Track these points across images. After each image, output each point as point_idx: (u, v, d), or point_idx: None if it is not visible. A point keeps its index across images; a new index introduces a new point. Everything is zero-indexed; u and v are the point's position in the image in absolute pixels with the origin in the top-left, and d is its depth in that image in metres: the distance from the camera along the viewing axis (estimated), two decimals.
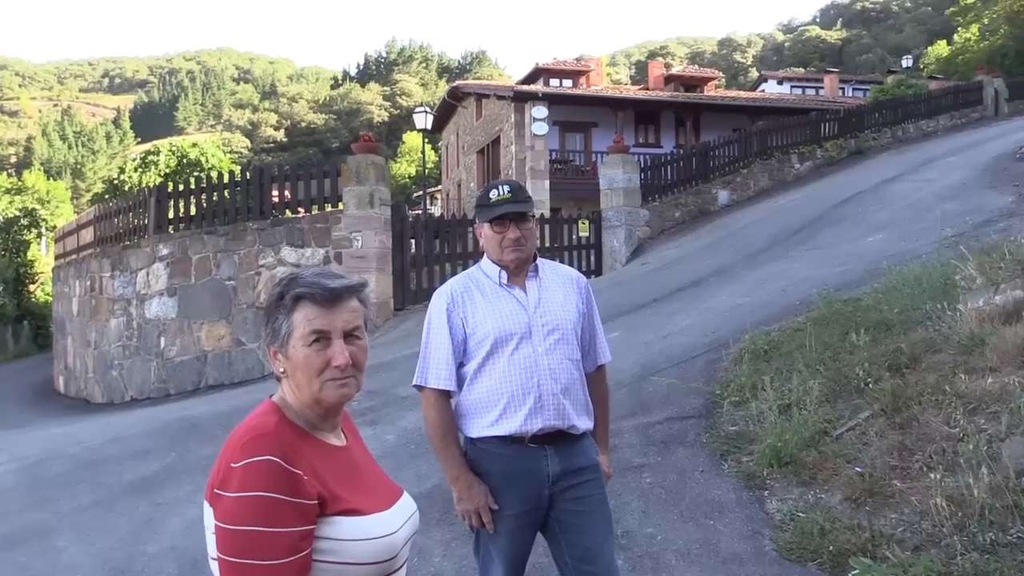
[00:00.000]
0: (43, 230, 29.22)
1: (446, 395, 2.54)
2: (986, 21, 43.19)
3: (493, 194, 2.57)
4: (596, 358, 2.72)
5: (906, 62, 46.75)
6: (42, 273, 26.49)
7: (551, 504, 2.49)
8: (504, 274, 2.57)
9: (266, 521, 1.38)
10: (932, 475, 3.56)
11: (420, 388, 2.56)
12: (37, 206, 31.56)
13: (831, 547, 3.43)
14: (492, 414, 2.48)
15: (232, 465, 1.43)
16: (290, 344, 1.55)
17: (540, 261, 2.64)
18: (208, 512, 1.46)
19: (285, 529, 1.39)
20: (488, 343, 2.49)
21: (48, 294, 23.22)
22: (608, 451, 2.79)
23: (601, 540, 2.51)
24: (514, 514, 2.46)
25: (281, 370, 1.58)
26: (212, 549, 1.46)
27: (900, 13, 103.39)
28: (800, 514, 3.78)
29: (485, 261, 2.64)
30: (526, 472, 2.47)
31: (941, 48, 56.82)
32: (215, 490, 1.44)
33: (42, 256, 28.45)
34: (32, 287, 26.29)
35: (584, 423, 2.57)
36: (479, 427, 2.51)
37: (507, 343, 2.49)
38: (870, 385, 4.62)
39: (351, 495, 1.52)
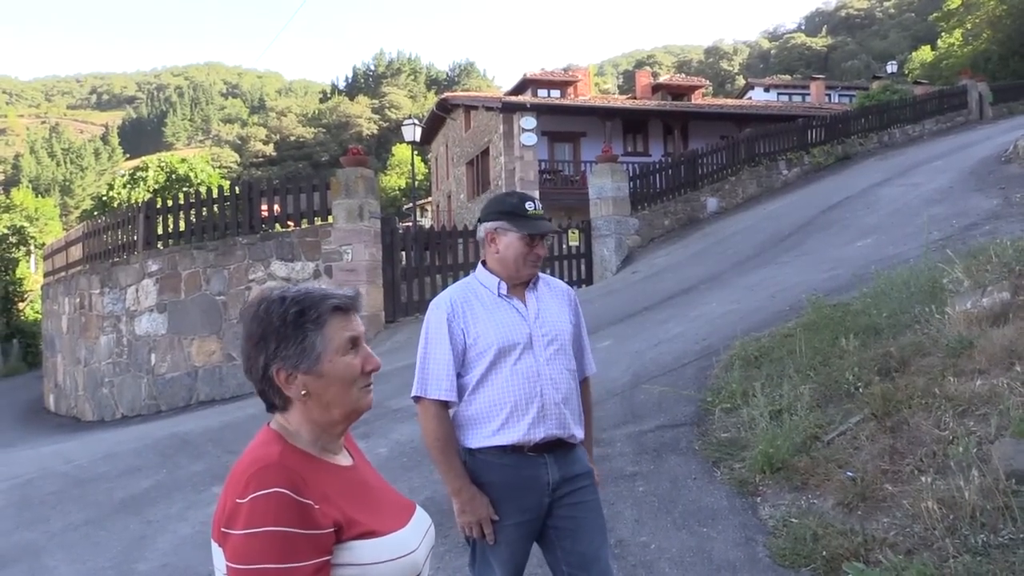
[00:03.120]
0: (32, 247, 29.10)
1: (445, 406, 2.51)
2: (969, 26, 43.59)
3: (529, 206, 2.55)
4: (583, 370, 2.75)
5: (891, 68, 47.13)
6: (31, 291, 26.37)
7: (548, 512, 2.50)
8: (504, 285, 2.56)
9: (279, 557, 1.31)
10: (923, 478, 3.57)
11: (418, 399, 2.53)
12: (26, 224, 31.45)
13: (824, 552, 3.43)
14: (494, 424, 2.47)
15: (238, 501, 1.36)
16: (325, 359, 1.48)
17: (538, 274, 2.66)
18: (217, 552, 1.40)
19: (299, 564, 1.33)
20: (491, 353, 2.47)
21: (37, 312, 23.11)
22: (593, 461, 2.80)
23: (597, 547, 2.52)
24: (515, 523, 2.45)
25: (303, 392, 1.47)
26: None
27: (884, 19, 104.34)
28: (793, 520, 3.78)
29: (481, 271, 2.61)
30: (527, 481, 2.47)
31: (925, 53, 57.36)
32: (222, 529, 1.37)
33: (31, 274, 28.34)
34: (21, 305, 26.14)
35: (579, 432, 2.59)
36: (479, 437, 2.48)
37: (510, 353, 2.48)
38: (860, 389, 4.63)
39: (366, 516, 1.46)
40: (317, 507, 1.37)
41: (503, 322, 2.51)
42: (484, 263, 2.63)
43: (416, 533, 1.55)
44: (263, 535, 1.32)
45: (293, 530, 1.33)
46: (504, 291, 2.56)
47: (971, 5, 43.04)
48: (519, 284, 2.58)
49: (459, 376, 2.51)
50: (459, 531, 2.52)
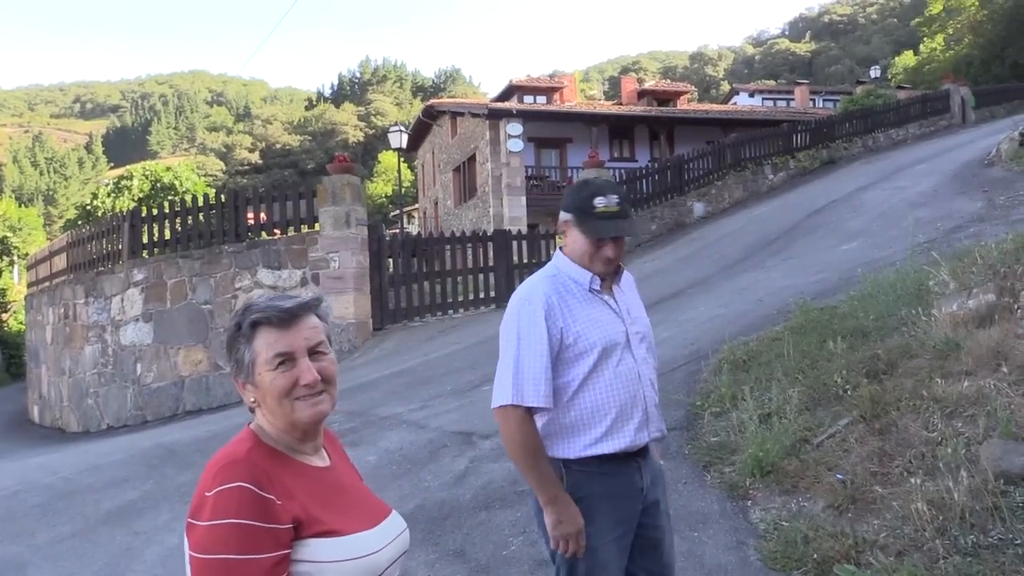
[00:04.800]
0: (15, 258, 28.90)
1: (531, 412, 2.28)
2: (951, 31, 44.03)
3: (599, 202, 2.31)
4: None
5: (874, 72, 47.52)
6: (15, 301, 26.17)
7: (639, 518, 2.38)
8: (596, 280, 2.36)
9: (238, 548, 1.37)
10: (912, 480, 3.58)
11: (503, 407, 2.29)
12: (9, 234, 31.24)
13: (815, 555, 3.43)
14: (596, 431, 2.29)
15: (205, 494, 1.42)
16: (255, 372, 1.54)
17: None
18: (186, 543, 1.45)
19: (258, 556, 1.38)
20: (594, 354, 2.28)
21: (21, 323, 22.92)
22: None
23: (674, 556, 2.45)
24: (615, 538, 2.29)
25: (252, 399, 1.57)
26: None
27: (867, 25, 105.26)
28: (783, 523, 3.77)
29: (567, 264, 2.39)
30: (625, 489, 2.32)
31: (908, 58, 57.88)
32: (188, 519, 1.44)
33: (14, 284, 28.14)
34: (5, 316, 25.93)
35: None
36: (579, 446, 2.29)
37: (612, 353, 2.31)
38: (849, 392, 4.64)
39: (330, 516, 1.50)
40: (279, 503, 1.43)
41: (602, 320, 2.32)
42: (563, 252, 2.43)
43: (383, 536, 1.58)
44: (224, 527, 1.38)
45: (254, 523, 1.39)
46: (597, 286, 2.36)
47: (953, 10, 43.47)
48: (607, 278, 2.40)
49: (553, 379, 2.30)
50: (552, 548, 2.28)
